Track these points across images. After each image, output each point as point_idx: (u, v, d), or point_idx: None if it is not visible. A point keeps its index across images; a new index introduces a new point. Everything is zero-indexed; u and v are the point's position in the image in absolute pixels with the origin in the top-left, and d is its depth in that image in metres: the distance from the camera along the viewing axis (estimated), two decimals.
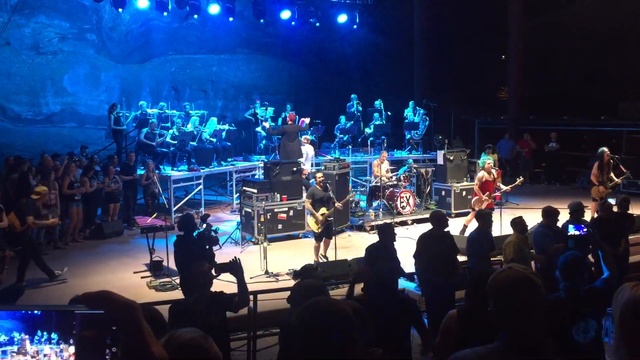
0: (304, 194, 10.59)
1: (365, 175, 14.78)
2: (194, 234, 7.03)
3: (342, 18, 18.22)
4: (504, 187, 11.05)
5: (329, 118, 16.47)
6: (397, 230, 8.29)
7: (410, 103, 16.24)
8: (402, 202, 12.21)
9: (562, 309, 3.75)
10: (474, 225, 7.67)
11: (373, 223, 11.40)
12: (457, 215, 12.36)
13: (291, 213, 11.05)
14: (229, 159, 14.22)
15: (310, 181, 11.02)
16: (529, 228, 7.12)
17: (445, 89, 19.29)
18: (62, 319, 1.10)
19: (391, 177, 12.85)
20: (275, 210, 10.87)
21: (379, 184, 12.20)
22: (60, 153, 12.45)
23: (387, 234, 6.65)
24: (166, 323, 3.19)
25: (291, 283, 7.03)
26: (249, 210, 10.81)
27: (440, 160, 13.22)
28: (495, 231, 8.47)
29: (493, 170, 10.89)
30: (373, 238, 9.02)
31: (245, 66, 19.66)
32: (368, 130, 16.06)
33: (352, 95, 16.76)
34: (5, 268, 7.98)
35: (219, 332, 4.12)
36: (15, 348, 1.11)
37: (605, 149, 11.23)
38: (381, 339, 3.18)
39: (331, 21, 18.20)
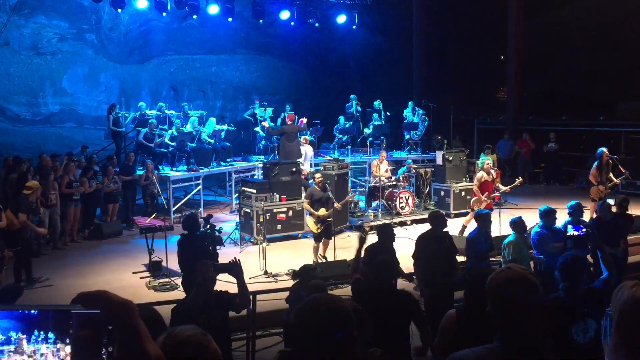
0: (303, 195, 10.59)
1: (365, 175, 14.78)
2: (197, 233, 7.04)
3: (341, 18, 18.23)
4: (503, 188, 11.05)
5: (328, 118, 16.48)
6: (396, 230, 8.29)
7: (410, 103, 16.24)
8: (401, 202, 12.21)
9: (561, 309, 3.75)
10: (473, 225, 7.67)
11: (372, 223, 11.40)
12: (456, 215, 12.36)
13: (290, 213, 11.05)
14: (228, 159, 14.21)
15: (309, 181, 11.01)
16: (527, 228, 7.12)
17: (444, 89, 19.30)
18: (58, 319, 1.10)
19: (390, 178, 12.85)
20: (275, 210, 10.87)
21: (378, 185, 12.20)
22: (59, 153, 12.45)
23: (386, 234, 6.65)
24: (165, 324, 3.19)
25: (290, 283, 7.04)
26: (248, 210, 10.81)
27: (439, 161, 13.22)
28: (494, 231, 8.48)
29: (492, 171, 10.89)
30: (372, 238, 9.01)
31: (244, 66, 19.67)
32: (367, 131, 16.06)
33: (351, 96, 16.76)
34: (4, 268, 7.98)
35: (220, 331, 4.12)
36: (12, 347, 1.11)
37: (604, 149, 11.23)
38: (380, 338, 3.18)
39: (330, 21, 18.21)
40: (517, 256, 6.47)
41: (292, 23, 17.53)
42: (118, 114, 13.76)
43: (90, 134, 16.10)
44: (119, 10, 14.58)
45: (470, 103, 20.37)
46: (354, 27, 18.75)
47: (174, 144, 13.17)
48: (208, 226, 7.58)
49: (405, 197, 12.28)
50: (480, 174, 10.62)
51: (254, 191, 10.84)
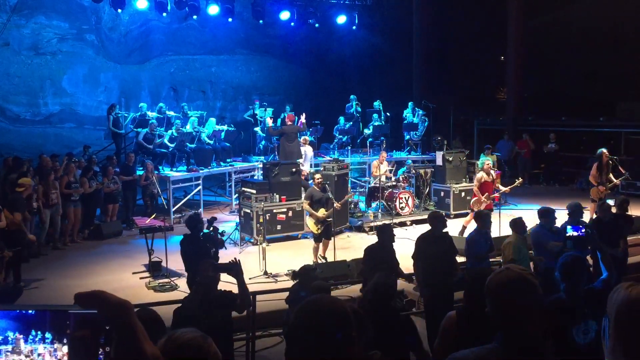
0: (303, 195, 10.59)
1: (365, 176, 14.78)
2: (200, 234, 7.05)
3: (341, 19, 18.24)
4: (503, 188, 11.05)
5: (328, 119, 16.48)
6: (396, 231, 8.30)
7: (410, 104, 16.24)
8: (401, 203, 12.21)
9: (562, 310, 3.75)
10: (473, 226, 7.67)
11: (372, 224, 11.40)
12: (456, 216, 12.36)
13: (290, 214, 11.05)
14: (228, 160, 14.22)
15: (309, 182, 11.02)
16: (527, 229, 7.12)
17: (444, 89, 19.30)
18: (56, 319, 1.10)
19: (390, 178, 12.85)
20: (274, 211, 10.87)
21: (377, 185, 12.20)
22: (59, 153, 12.45)
23: (385, 234, 6.65)
24: (164, 325, 3.19)
25: (290, 284, 7.03)
26: (248, 211, 10.81)
27: (439, 161, 13.22)
28: (494, 232, 8.48)
29: (492, 171, 10.89)
30: (372, 239, 9.02)
31: (244, 67, 19.68)
32: (367, 131, 16.06)
33: (351, 96, 16.77)
34: (4, 268, 7.98)
35: (221, 332, 4.11)
36: (9, 347, 1.11)
37: (604, 150, 11.24)
38: (380, 340, 3.17)
39: (330, 22, 18.22)
40: (517, 257, 6.46)
41: (292, 23, 17.55)
42: (118, 114, 13.76)
43: (90, 134, 16.09)
44: (119, 10, 14.60)
45: (470, 103, 20.38)
46: (354, 27, 18.77)
47: (172, 145, 13.17)
48: (211, 228, 7.58)
49: (405, 197, 12.28)
50: (480, 175, 10.62)
51: (254, 192, 10.84)
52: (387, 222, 10.58)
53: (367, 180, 13.82)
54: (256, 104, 15.62)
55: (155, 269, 8.81)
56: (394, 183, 12.62)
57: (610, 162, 11.24)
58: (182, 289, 7.88)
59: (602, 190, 10.94)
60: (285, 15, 17.10)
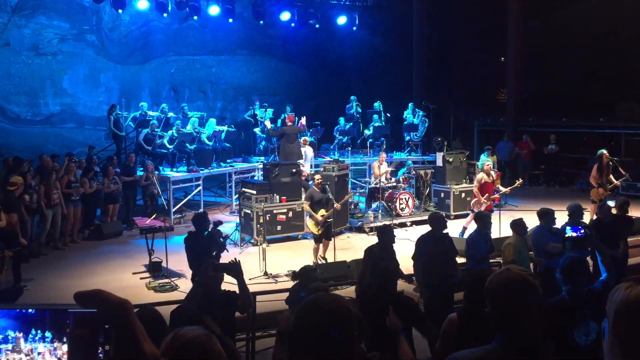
0: (303, 196, 10.60)
1: (365, 176, 14.78)
2: (205, 233, 7.07)
3: (342, 20, 18.26)
4: (503, 189, 11.05)
5: (328, 119, 16.48)
6: (396, 231, 8.30)
7: (410, 105, 16.24)
8: (401, 203, 12.21)
9: (563, 311, 3.75)
10: (473, 227, 7.67)
11: (372, 224, 11.40)
12: (456, 217, 12.36)
13: (290, 214, 11.05)
14: (228, 160, 14.21)
15: (309, 182, 11.02)
16: (528, 230, 7.12)
17: (444, 90, 19.30)
18: (56, 318, 1.10)
19: (390, 179, 12.85)
20: (275, 211, 10.87)
21: (378, 186, 12.20)
22: (59, 154, 12.46)
23: (386, 235, 6.65)
24: (165, 323, 3.18)
25: (290, 284, 7.03)
26: (248, 211, 10.81)
27: (439, 162, 13.23)
28: (495, 233, 8.48)
29: (492, 172, 10.89)
30: (372, 239, 9.02)
31: (244, 67, 19.68)
32: (367, 132, 16.06)
33: (352, 97, 16.77)
34: (4, 269, 7.99)
35: (223, 332, 4.09)
36: (9, 346, 1.11)
37: (604, 151, 11.24)
38: (379, 344, 3.17)
39: (331, 23, 18.23)
40: (517, 257, 6.46)
41: (293, 24, 17.55)
42: (118, 115, 13.76)
43: (91, 135, 16.09)
44: (120, 11, 14.59)
45: (471, 104, 20.38)
46: (355, 28, 18.78)
47: (172, 146, 13.18)
48: (216, 230, 7.59)
49: (405, 198, 12.29)
50: (480, 176, 10.62)
51: (254, 192, 10.84)
52: (387, 222, 10.58)
53: (367, 181, 13.82)
54: (256, 104, 15.62)
55: (156, 269, 8.82)
56: (394, 184, 12.63)
57: (611, 163, 11.24)
58: (182, 289, 7.88)
59: (602, 192, 10.94)
60: (285, 16, 17.10)
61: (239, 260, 4.52)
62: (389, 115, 16.53)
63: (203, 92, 18.94)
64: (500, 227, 9.56)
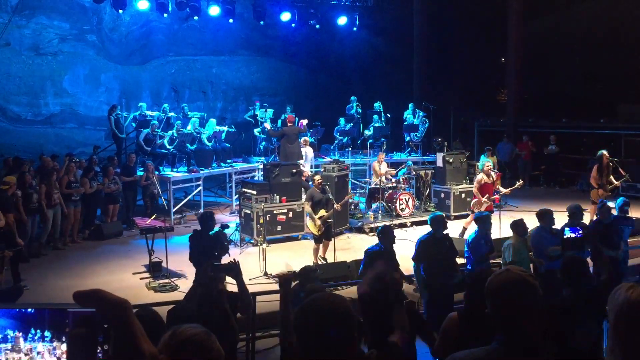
0: (304, 196, 10.59)
1: (365, 177, 14.78)
2: (210, 232, 7.08)
3: (342, 20, 18.26)
4: (503, 190, 11.04)
5: (329, 120, 16.48)
6: (396, 232, 8.29)
7: (410, 105, 16.25)
8: (401, 204, 12.20)
9: (564, 311, 3.75)
10: (473, 227, 7.67)
11: (372, 225, 11.40)
12: (456, 217, 12.36)
13: (290, 215, 11.05)
14: (229, 161, 14.22)
15: (309, 183, 11.02)
16: (528, 231, 7.12)
17: (444, 91, 19.31)
18: (55, 317, 1.10)
19: (390, 179, 12.85)
20: (275, 211, 10.87)
21: (378, 186, 12.20)
22: (59, 154, 12.46)
23: (386, 236, 6.65)
24: (164, 324, 3.18)
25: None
26: (248, 211, 10.81)
27: (439, 163, 13.23)
28: (495, 234, 8.47)
29: (492, 173, 10.88)
30: (372, 240, 9.02)
31: (245, 68, 19.69)
32: (367, 132, 16.06)
33: (352, 97, 16.77)
34: (4, 269, 7.99)
35: (221, 332, 4.09)
36: (9, 346, 1.11)
37: (605, 151, 11.24)
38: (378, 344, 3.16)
39: (331, 23, 18.24)
40: (517, 258, 6.46)
41: (293, 25, 17.57)
42: (118, 115, 13.77)
43: (91, 135, 16.10)
44: (120, 11, 14.61)
45: (471, 105, 20.38)
46: (355, 28, 18.79)
47: (172, 147, 13.17)
48: (222, 234, 7.59)
49: (405, 199, 12.28)
50: (480, 176, 10.61)
51: (254, 192, 10.84)
52: (387, 223, 10.57)
53: (367, 182, 13.82)
54: (257, 104, 15.63)
55: (156, 270, 8.81)
56: (394, 184, 12.62)
57: (611, 164, 11.23)
58: (182, 289, 7.88)
59: (602, 192, 10.94)
60: (286, 16, 17.11)
61: (238, 261, 4.51)
62: (389, 115, 16.53)
63: (203, 93, 18.94)
64: (501, 227, 9.56)
